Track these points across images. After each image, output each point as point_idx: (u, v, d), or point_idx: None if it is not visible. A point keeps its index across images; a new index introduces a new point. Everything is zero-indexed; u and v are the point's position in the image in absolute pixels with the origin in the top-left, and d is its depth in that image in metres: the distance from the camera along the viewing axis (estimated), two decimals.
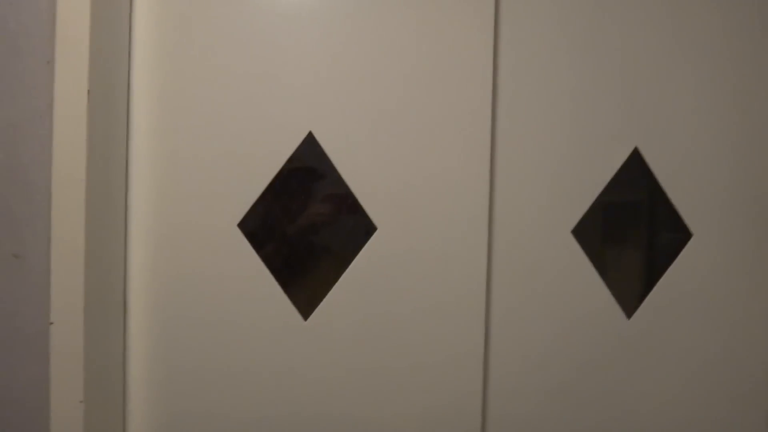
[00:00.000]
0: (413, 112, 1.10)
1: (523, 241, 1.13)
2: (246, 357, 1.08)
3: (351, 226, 1.11)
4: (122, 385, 1.05)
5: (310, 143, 1.09)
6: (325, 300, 1.10)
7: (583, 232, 1.14)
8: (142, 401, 1.06)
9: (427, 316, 1.11)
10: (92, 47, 0.93)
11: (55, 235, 0.92)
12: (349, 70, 1.09)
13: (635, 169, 1.15)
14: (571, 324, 1.14)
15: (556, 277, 1.14)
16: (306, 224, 1.11)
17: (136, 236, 1.06)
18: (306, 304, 1.10)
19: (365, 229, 1.10)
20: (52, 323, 0.92)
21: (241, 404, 1.08)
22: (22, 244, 0.92)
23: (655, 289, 1.17)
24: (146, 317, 1.06)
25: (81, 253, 0.92)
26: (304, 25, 1.08)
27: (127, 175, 1.05)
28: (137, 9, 1.05)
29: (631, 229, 1.19)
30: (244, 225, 1.08)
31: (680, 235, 1.17)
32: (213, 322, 1.07)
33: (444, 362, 1.11)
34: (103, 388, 0.99)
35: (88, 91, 0.92)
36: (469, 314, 1.11)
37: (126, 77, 1.04)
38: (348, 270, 1.10)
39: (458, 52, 1.10)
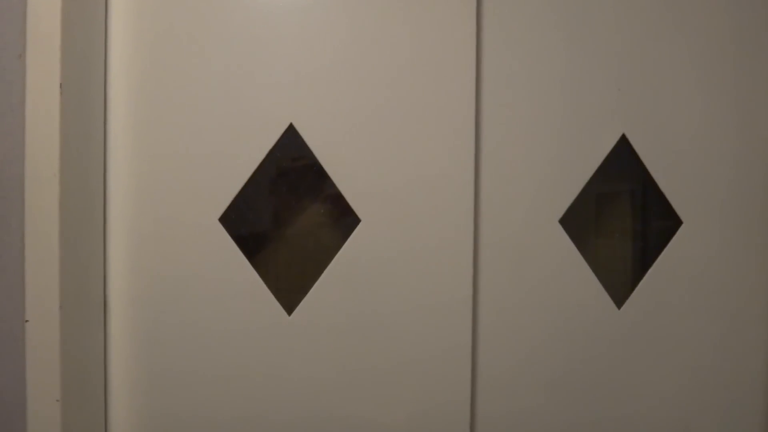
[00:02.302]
0: (396, 103, 1.08)
1: (511, 232, 1.11)
2: (229, 354, 1.06)
3: (334, 219, 1.09)
4: (103, 384, 1.04)
5: (291, 135, 1.07)
6: (309, 295, 1.08)
7: (571, 221, 1.12)
8: (123, 400, 1.05)
9: (413, 310, 1.09)
10: (64, 41, 0.91)
11: (29, 231, 0.90)
12: (331, 62, 1.07)
13: (623, 156, 1.13)
14: (560, 316, 1.12)
15: (544, 268, 1.12)
16: (289, 218, 1.09)
17: (115, 232, 1.04)
18: (290, 299, 1.08)
19: (349, 221, 1.08)
20: (27, 321, 0.91)
21: (225, 402, 1.07)
22: None
23: (646, 278, 1.14)
24: (127, 314, 1.05)
25: (56, 250, 0.91)
26: (284, 17, 1.06)
27: (105, 170, 1.04)
28: (113, 1, 1.03)
29: (620, 218, 1.17)
30: (225, 219, 1.06)
31: (670, 222, 1.14)
32: (195, 319, 1.05)
33: (432, 357, 1.09)
34: (82, 387, 0.98)
35: (61, 85, 0.90)
36: (456, 308, 1.09)
37: (102, 71, 1.03)
38: (332, 264, 1.08)
39: (441, 43, 1.08)
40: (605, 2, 1.12)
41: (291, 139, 1.07)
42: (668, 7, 1.14)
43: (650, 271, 1.14)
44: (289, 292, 1.08)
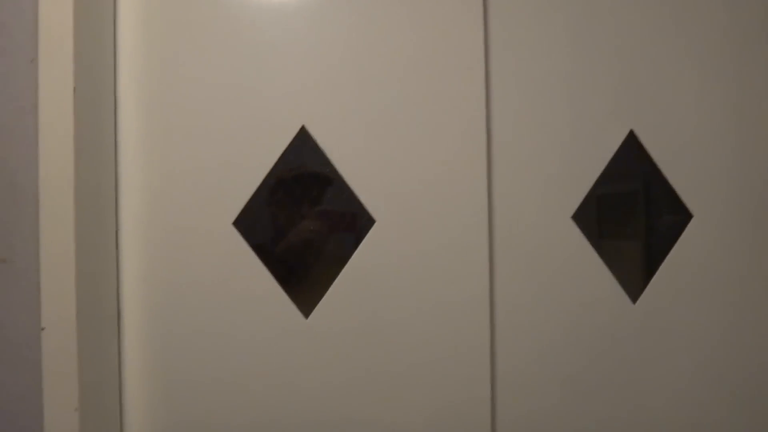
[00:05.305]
0: (407, 104, 1.08)
1: (524, 230, 1.11)
2: (246, 359, 1.05)
3: (349, 221, 1.09)
4: (118, 392, 1.02)
5: (303, 138, 1.07)
6: (325, 297, 1.07)
7: (583, 217, 1.13)
8: (140, 408, 1.03)
9: (430, 310, 1.08)
10: (76, 44, 0.90)
11: (44, 238, 0.89)
12: (341, 63, 1.07)
13: (632, 151, 1.14)
14: (576, 311, 1.12)
15: (558, 265, 1.12)
16: (303, 220, 1.09)
17: (128, 237, 1.03)
18: (306, 302, 1.07)
19: (363, 222, 1.08)
20: (43, 329, 0.89)
21: (243, 408, 1.05)
22: (9, 247, 0.90)
23: (659, 272, 1.15)
24: (142, 321, 1.03)
25: (71, 256, 0.89)
26: (294, 19, 1.06)
27: (116, 175, 1.03)
28: (122, 6, 1.03)
29: (631, 213, 1.17)
30: (239, 223, 1.05)
31: (681, 216, 1.15)
32: (211, 324, 1.04)
33: (450, 357, 1.08)
34: (99, 395, 0.96)
35: (74, 88, 0.90)
36: (473, 307, 1.09)
37: (112, 76, 1.02)
38: (347, 266, 1.07)
39: (450, 43, 1.09)
40: (610, 0, 1.14)
41: (303, 141, 1.07)
42: (672, 4, 1.16)
43: (663, 264, 1.15)
44: (306, 294, 1.07)
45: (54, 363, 0.89)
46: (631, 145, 1.15)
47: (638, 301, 1.14)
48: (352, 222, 1.09)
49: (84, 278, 0.91)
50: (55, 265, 0.89)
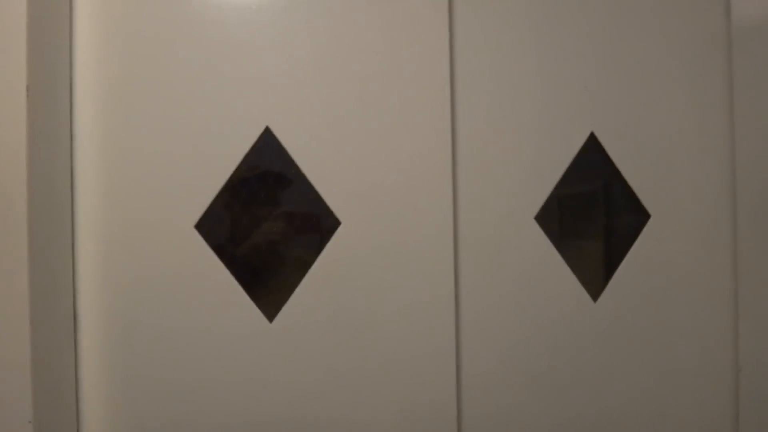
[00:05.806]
0: (373, 105, 1.08)
1: (488, 230, 1.13)
2: (210, 365, 1.03)
3: (314, 222, 1.08)
4: (75, 401, 0.98)
5: (267, 138, 1.05)
6: (289, 300, 1.06)
7: (546, 218, 1.15)
8: (98, 416, 0.99)
9: (395, 312, 1.08)
10: (30, 40, 0.87)
11: None
12: (306, 63, 1.06)
13: (593, 153, 1.17)
14: (539, 311, 1.14)
15: (522, 265, 1.14)
16: (268, 222, 1.07)
17: (85, 241, 0.99)
18: (270, 306, 1.05)
19: (329, 224, 1.07)
20: None
21: (207, 415, 1.03)
22: None
23: (618, 270, 1.18)
24: (99, 327, 1.00)
25: (24, 261, 0.86)
26: (259, 18, 1.04)
27: (72, 176, 0.99)
28: (78, 1, 0.99)
29: (592, 213, 1.20)
30: (201, 226, 1.03)
31: (639, 217, 1.19)
32: (172, 329, 1.02)
33: (416, 356, 1.09)
34: (55, 406, 0.92)
35: (27, 86, 0.86)
36: (439, 306, 1.10)
37: (68, 73, 0.98)
38: (312, 268, 1.07)
39: (416, 44, 1.09)
40: (573, 4, 1.16)
41: (268, 142, 1.06)
42: (634, 10, 1.19)
43: (622, 263, 1.18)
44: (270, 298, 1.06)
45: (6, 374, 0.85)
46: (592, 147, 1.17)
47: (599, 300, 1.17)
48: (317, 224, 1.08)
49: (38, 282, 0.88)
50: (7, 270, 0.86)
